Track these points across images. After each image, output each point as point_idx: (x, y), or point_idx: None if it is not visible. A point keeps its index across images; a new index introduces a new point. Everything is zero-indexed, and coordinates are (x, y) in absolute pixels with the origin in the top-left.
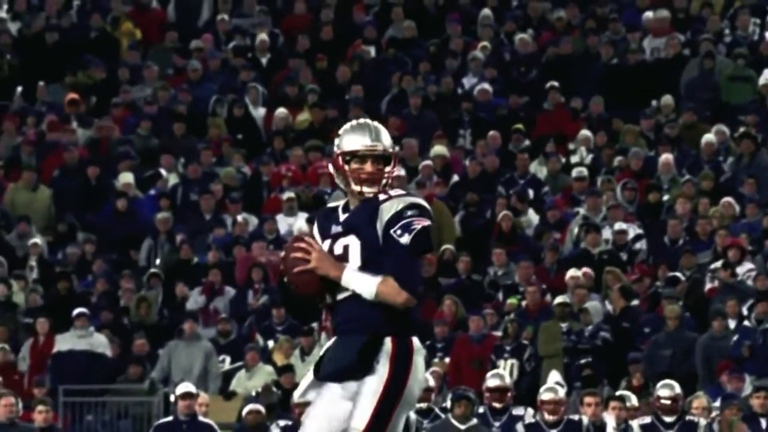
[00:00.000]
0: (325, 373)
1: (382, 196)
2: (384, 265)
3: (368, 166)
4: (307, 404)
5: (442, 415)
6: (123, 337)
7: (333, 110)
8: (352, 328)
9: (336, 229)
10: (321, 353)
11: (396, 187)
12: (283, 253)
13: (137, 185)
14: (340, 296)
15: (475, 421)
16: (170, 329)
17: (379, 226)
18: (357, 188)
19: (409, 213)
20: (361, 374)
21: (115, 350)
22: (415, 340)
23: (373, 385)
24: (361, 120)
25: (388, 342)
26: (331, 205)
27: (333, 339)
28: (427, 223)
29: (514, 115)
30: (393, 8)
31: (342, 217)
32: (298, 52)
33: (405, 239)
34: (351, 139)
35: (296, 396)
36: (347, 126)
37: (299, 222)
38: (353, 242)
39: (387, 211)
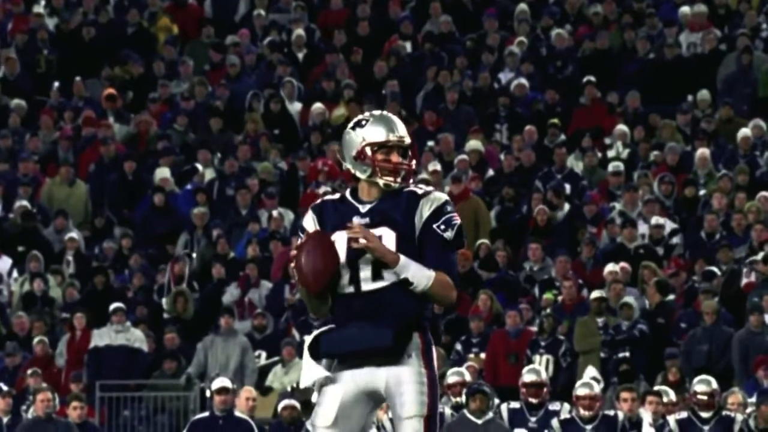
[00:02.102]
0: (338, 351)
1: (419, 191)
2: (430, 259)
3: (394, 157)
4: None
5: None
6: (158, 332)
7: (369, 105)
8: (380, 319)
9: (360, 220)
10: (315, 335)
11: (419, 182)
12: (295, 248)
13: (174, 180)
14: (369, 287)
15: (491, 415)
16: (206, 323)
17: (418, 219)
18: (388, 179)
19: (449, 209)
20: (391, 360)
21: (151, 345)
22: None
23: (414, 375)
24: (378, 112)
25: (416, 337)
26: (332, 197)
27: (341, 324)
28: (460, 220)
29: (550, 110)
30: (430, 3)
31: (362, 207)
32: (335, 47)
33: (449, 234)
34: (378, 130)
35: (312, 384)
36: (367, 117)
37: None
38: (387, 234)
39: (428, 206)
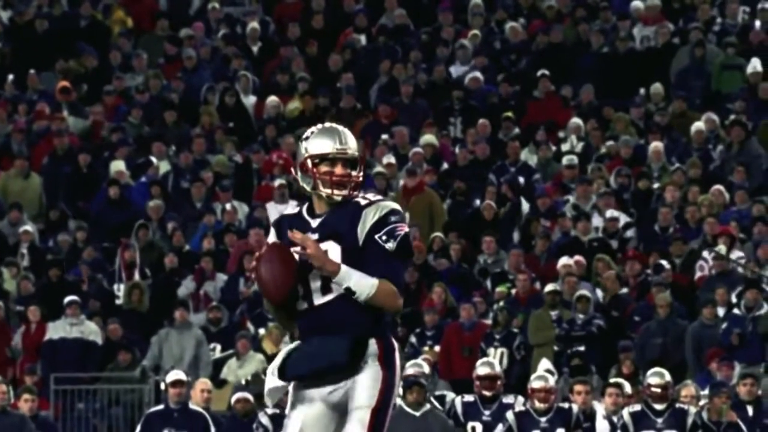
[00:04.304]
0: (300, 373)
1: (363, 201)
2: (373, 269)
3: (338, 169)
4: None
5: (435, 403)
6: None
7: (324, 98)
8: (335, 331)
9: (311, 236)
10: (283, 355)
11: (364, 185)
12: (255, 260)
13: (129, 173)
14: (320, 301)
15: (428, 406)
16: (160, 316)
17: (360, 231)
18: (327, 191)
19: (393, 219)
20: (349, 374)
21: (104, 338)
22: (393, 340)
23: (366, 384)
24: (328, 124)
25: (373, 343)
26: (288, 212)
27: (303, 340)
28: (407, 229)
29: (504, 104)
30: None
31: (313, 222)
32: (290, 41)
33: (390, 245)
34: (320, 142)
35: (276, 401)
36: (314, 129)
37: (290, 210)
38: (332, 248)
39: (371, 216)
